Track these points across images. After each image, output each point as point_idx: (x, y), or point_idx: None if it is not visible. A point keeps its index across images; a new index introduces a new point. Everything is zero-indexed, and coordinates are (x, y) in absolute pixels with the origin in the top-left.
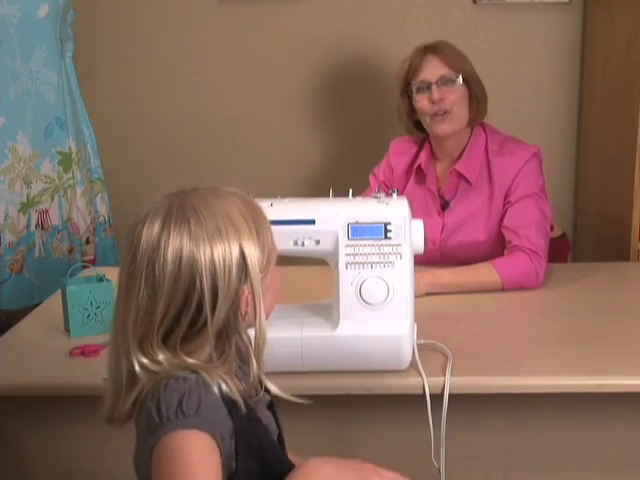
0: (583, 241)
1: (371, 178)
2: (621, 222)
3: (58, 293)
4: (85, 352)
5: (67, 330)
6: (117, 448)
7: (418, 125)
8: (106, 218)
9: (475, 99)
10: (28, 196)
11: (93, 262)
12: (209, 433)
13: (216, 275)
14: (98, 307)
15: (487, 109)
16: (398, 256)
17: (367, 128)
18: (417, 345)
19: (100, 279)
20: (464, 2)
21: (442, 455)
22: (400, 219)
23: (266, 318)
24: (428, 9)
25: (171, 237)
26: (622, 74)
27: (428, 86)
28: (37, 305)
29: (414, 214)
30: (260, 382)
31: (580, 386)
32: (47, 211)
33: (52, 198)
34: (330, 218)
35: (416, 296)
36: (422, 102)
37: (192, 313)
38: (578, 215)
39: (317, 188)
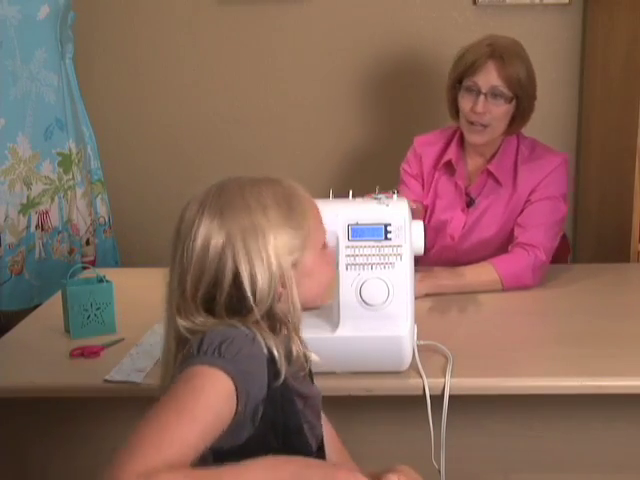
0: (583, 242)
1: (403, 174)
2: (621, 223)
3: (58, 294)
4: (85, 353)
5: (67, 331)
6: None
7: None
8: (106, 219)
9: (520, 115)
10: (28, 197)
11: (93, 263)
12: (235, 382)
13: (241, 260)
14: (98, 308)
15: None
16: (398, 257)
17: (367, 129)
18: (417, 346)
19: (100, 280)
20: (464, 3)
21: (442, 456)
22: (400, 220)
23: (312, 301)
24: (428, 10)
25: (202, 223)
26: (622, 75)
27: (477, 92)
28: (37, 306)
29: (439, 208)
30: (305, 357)
31: (580, 387)
32: (47, 212)
33: (52, 199)
34: (330, 219)
35: (416, 297)
36: (466, 104)
37: (227, 292)
38: (578, 216)
39: (317, 189)
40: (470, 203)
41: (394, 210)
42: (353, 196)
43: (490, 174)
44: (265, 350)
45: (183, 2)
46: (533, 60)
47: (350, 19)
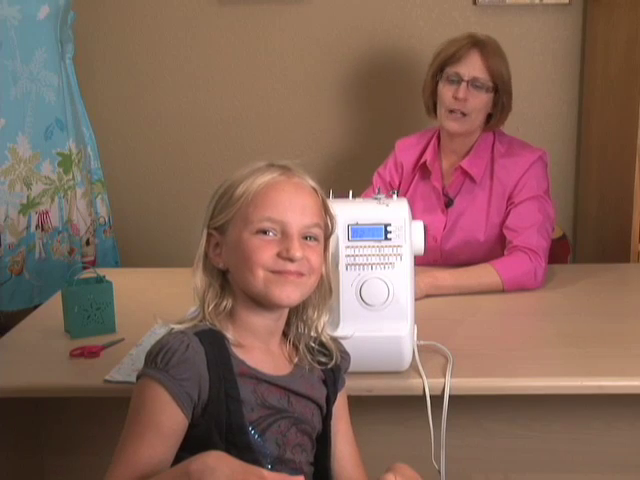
0: (583, 242)
1: (375, 178)
2: (621, 223)
3: (58, 294)
4: (85, 353)
5: (67, 331)
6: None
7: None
8: (106, 219)
9: (499, 109)
10: (28, 197)
11: (93, 263)
12: (168, 390)
13: None
14: (98, 308)
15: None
16: (398, 257)
17: (367, 129)
18: (417, 346)
19: (100, 280)
20: (464, 3)
21: (442, 456)
22: (400, 220)
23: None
24: (428, 10)
25: None
26: (622, 75)
27: (458, 80)
28: (37, 306)
29: (419, 211)
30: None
31: (580, 387)
32: (47, 212)
33: (52, 199)
34: None
35: (416, 298)
36: (446, 93)
37: None
38: (578, 216)
39: None
40: (449, 203)
41: (394, 210)
42: (353, 196)
43: (465, 172)
44: (203, 353)
45: (183, 2)
46: (533, 60)
47: (350, 19)
